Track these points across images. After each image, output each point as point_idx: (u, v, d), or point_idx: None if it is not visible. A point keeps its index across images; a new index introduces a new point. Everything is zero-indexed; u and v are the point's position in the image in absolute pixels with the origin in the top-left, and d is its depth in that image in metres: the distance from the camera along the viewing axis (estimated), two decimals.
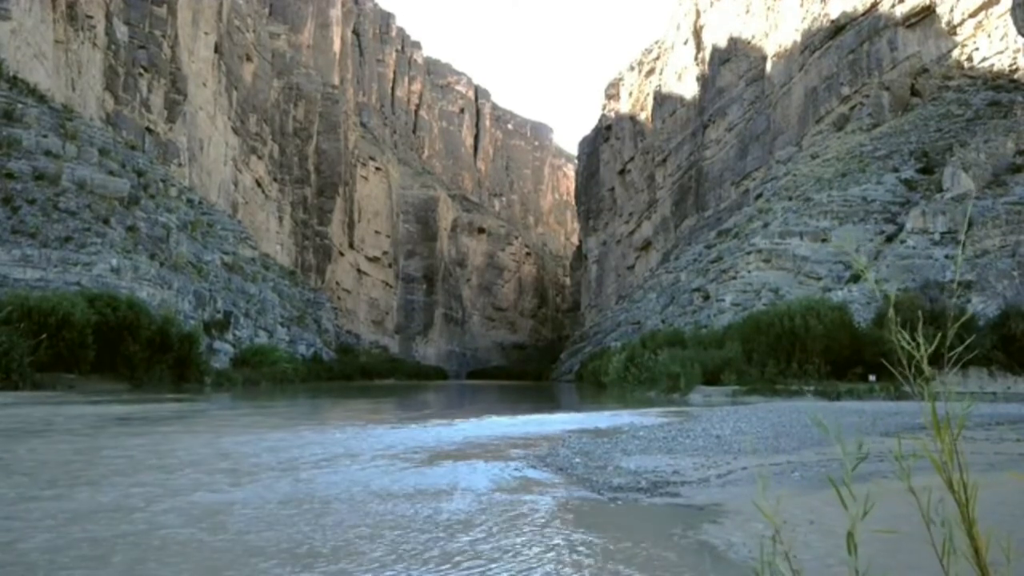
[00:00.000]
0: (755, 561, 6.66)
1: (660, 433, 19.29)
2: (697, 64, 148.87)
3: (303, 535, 7.88)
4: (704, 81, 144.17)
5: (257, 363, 67.57)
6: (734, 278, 73.63)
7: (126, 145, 79.65)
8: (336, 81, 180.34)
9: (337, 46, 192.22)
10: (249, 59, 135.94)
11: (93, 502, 9.43)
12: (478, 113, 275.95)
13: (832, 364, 44.49)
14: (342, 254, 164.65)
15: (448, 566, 6.72)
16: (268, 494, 10.25)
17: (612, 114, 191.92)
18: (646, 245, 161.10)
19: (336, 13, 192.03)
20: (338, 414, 32.03)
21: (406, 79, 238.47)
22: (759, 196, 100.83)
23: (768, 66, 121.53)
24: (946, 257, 58.80)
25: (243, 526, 8.28)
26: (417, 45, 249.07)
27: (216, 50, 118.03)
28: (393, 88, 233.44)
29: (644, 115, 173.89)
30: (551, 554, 7.29)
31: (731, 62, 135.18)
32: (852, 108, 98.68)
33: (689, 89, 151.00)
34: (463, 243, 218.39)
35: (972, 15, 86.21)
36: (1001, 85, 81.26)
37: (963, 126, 77.47)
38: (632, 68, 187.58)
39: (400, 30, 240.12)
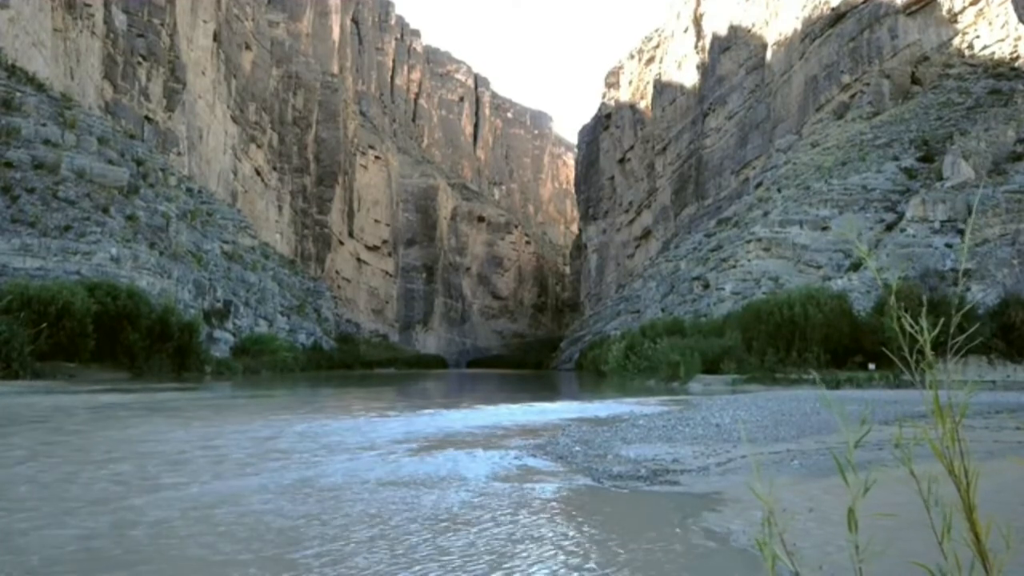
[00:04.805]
0: (755, 548, 6.71)
1: (660, 422, 19.32)
2: (697, 52, 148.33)
3: (299, 522, 7.92)
4: (704, 69, 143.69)
5: (257, 352, 67.69)
6: (734, 267, 73.59)
7: (125, 134, 79.42)
8: (335, 70, 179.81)
9: (336, 34, 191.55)
10: (248, 47, 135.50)
11: None
12: (477, 101, 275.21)
13: (832, 353, 44.52)
14: (342, 243, 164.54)
15: (447, 557, 6.75)
16: (251, 483, 10.29)
17: (612, 103, 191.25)
18: (646, 234, 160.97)
19: (335, 1, 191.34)
20: (337, 403, 32.08)
21: (405, 67, 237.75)
22: (759, 185, 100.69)
23: (768, 54, 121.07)
24: (946, 246, 58.74)
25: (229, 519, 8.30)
26: (416, 33, 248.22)
27: (215, 38, 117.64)
28: (392, 77, 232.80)
29: (644, 103, 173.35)
30: (550, 543, 7.31)
31: (731, 50, 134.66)
32: (852, 96, 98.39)
33: (689, 77, 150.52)
34: (463, 232, 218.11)
35: (973, 3, 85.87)
36: (1002, 73, 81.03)
37: (963, 114, 77.25)
38: (632, 56, 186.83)
39: (399, 18, 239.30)
